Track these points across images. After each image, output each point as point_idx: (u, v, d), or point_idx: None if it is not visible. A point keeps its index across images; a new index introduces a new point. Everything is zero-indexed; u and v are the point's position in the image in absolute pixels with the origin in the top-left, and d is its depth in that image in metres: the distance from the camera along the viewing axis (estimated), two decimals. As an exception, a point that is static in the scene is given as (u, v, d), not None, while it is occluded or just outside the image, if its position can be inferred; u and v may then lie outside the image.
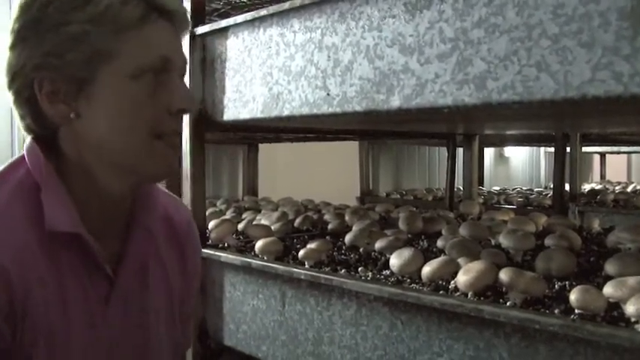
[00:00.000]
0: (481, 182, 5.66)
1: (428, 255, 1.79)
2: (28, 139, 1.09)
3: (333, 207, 3.24)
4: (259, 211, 3.22)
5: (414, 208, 3.09)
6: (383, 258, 1.84)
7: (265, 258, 1.86)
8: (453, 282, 1.45)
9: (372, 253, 1.94)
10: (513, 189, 5.48)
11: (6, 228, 0.98)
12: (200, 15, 2.00)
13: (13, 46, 1.02)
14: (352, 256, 1.94)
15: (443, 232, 2.19)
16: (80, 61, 0.99)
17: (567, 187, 4.18)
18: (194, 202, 2.04)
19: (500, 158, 7.75)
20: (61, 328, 1.02)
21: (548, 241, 1.87)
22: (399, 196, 5.02)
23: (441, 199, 4.49)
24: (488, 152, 6.97)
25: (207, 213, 2.69)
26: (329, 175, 4.73)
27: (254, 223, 2.58)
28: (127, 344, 1.12)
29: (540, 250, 1.80)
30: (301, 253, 1.80)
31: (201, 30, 1.96)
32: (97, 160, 1.05)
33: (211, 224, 2.30)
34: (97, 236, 1.05)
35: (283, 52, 1.70)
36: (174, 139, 1.08)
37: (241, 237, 2.35)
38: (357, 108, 1.51)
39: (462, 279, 1.38)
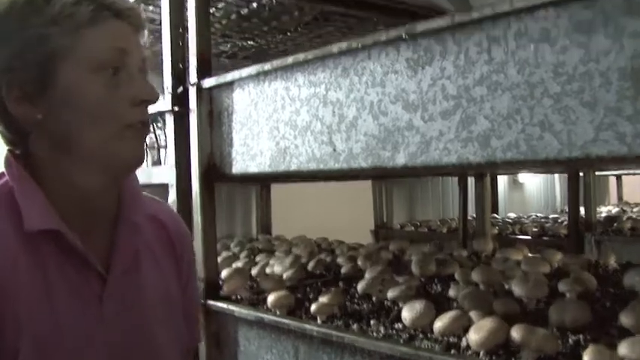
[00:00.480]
0: (495, 209, 5.63)
1: (440, 304, 1.78)
2: (5, 151, 1.11)
3: (346, 246, 3.24)
4: (273, 253, 3.23)
5: (428, 245, 3.07)
6: (395, 308, 1.83)
7: (278, 312, 1.85)
8: (464, 338, 1.44)
9: (385, 302, 1.93)
10: (528, 216, 5.44)
11: None
12: (206, 68, 2.01)
13: None
14: (365, 305, 1.93)
15: (456, 276, 2.17)
16: (41, 61, 1.02)
17: (583, 211, 4.14)
18: (205, 254, 2.04)
19: (515, 184, 7.71)
20: (51, 329, 1.01)
21: (562, 287, 1.85)
22: (413, 228, 5.00)
23: (455, 231, 4.47)
24: (502, 179, 6.94)
25: (221, 259, 2.71)
26: (343, 208, 4.72)
27: (267, 269, 2.59)
28: (128, 345, 1.12)
29: (554, 296, 1.79)
30: (313, 307, 1.79)
31: (207, 83, 1.97)
32: (69, 157, 1.06)
33: (224, 273, 2.30)
34: (84, 235, 1.07)
35: (289, 107, 1.71)
36: (140, 129, 1.10)
37: (255, 284, 2.35)
38: (363, 164, 1.51)
39: (473, 337, 1.36)
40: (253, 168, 1.84)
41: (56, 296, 1.03)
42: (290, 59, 1.67)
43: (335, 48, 1.54)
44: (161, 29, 2.18)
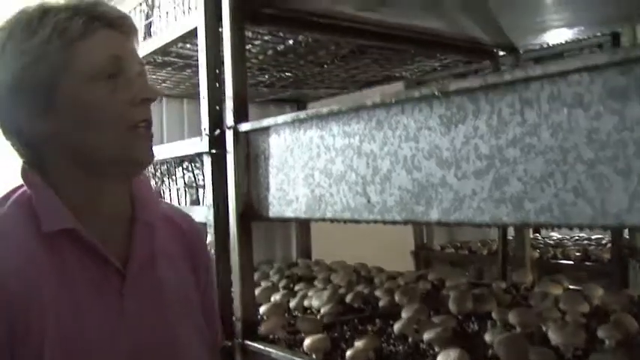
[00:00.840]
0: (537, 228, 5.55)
1: (475, 348, 1.78)
2: (21, 163, 1.19)
3: (385, 275, 3.24)
4: (312, 280, 3.25)
5: (467, 272, 3.05)
6: (431, 351, 1.83)
7: (314, 356, 1.86)
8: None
9: (421, 345, 1.93)
10: (571, 237, 5.36)
11: (6, 243, 1.07)
12: (243, 112, 2.03)
13: None
14: (400, 347, 1.94)
15: (493, 315, 2.16)
16: (43, 79, 1.10)
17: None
18: (243, 295, 2.06)
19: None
20: (75, 325, 1.07)
21: (601, 333, 1.82)
22: (453, 250, 4.97)
23: (495, 253, 4.42)
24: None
25: (259, 290, 2.74)
26: (383, 229, 4.68)
27: (305, 302, 2.61)
28: (151, 340, 1.17)
29: (594, 342, 1.77)
30: (349, 353, 1.80)
31: (244, 127, 2.00)
32: (81, 163, 1.14)
33: (262, 309, 2.33)
34: (101, 235, 1.14)
35: (324, 155, 1.72)
36: (146, 127, 1.17)
37: (293, 319, 2.36)
38: (397, 218, 1.52)
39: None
40: (289, 213, 1.86)
41: (78, 292, 1.10)
42: (325, 110, 1.69)
43: (369, 101, 1.55)
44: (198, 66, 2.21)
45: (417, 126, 1.46)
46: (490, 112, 1.31)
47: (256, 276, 3.22)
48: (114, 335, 1.12)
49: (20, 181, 1.18)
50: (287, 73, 3.05)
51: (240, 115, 2.04)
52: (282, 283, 3.18)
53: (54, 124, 1.11)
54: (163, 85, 3.29)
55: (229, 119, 2.05)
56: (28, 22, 1.11)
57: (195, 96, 3.65)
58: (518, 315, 2.02)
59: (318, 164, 1.75)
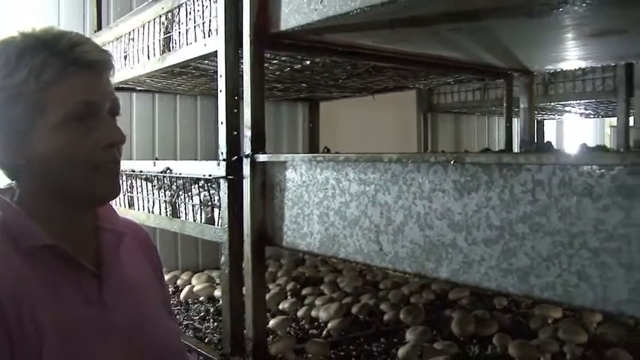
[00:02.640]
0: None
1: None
2: None
3: (390, 282, 3.32)
4: (320, 283, 3.34)
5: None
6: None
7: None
8: None
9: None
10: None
11: None
12: (260, 142, 2.09)
13: None
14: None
15: (494, 341, 2.25)
16: (19, 116, 1.18)
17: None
18: (255, 318, 2.13)
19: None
20: (67, 323, 1.16)
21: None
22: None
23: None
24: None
25: (268, 296, 2.82)
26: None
27: (312, 312, 2.69)
28: (136, 332, 1.28)
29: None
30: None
31: (261, 158, 2.06)
32: (51, 190, 1.24)
33: (272, 323, 2.42)
34: (73, 247, 1.23)
35: (339, 197, 1.78)
36: (111, 167, 1.26)
37: (299, 330, 2.45)
38: (408, 269, 1.58)
39: None
40: (303, 247, 1.93)
41: (63, 295, 1.19)
42: (342, 156, 1.75)
43: (385, 157, 1.61)
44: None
45: (431, 187, 1.52)
46: (503, 187, 1.36)
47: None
48: (99, 326, 1.22)
49: None
50: (302, 84, 3.09)
51: (258, 145, 2.09)
52: (289, 286, 3.27)
53: (28, 156, 1.20)
54: (178, 87, 3.33)
55: (247, 146, 2.11)
56: (7, 60, 1.17)
57: (206, 93, 3.72)
58: (519, 346, 2.10)
59: (332, 205, 1.81)
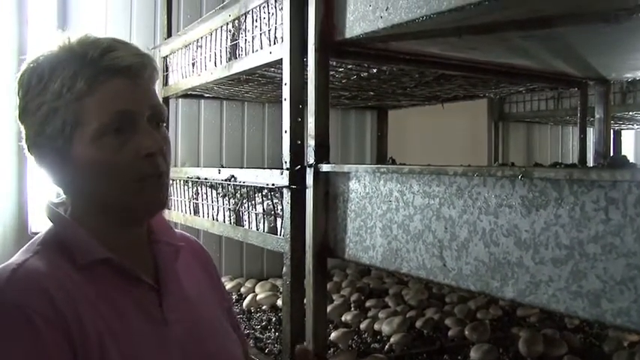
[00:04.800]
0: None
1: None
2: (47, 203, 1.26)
3: (457, 296, 3.25)
4: (384, 295, 3.29)
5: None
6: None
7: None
8: None
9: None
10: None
11: (46, 266, 1.12)
12: (324, 153, 2.06)
13: (21, 123, 1.20)
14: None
15: (565, 361, 2.16)
16: (57, 132, 1.14)
17: None
18: (315, 330, 2.10)
19: None
20: (128, 339, 1.13)
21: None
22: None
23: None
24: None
25: (331, 307, 2.79)
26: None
27: (375, 325, 2.64)
28: (196, 348, 1.24)
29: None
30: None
31: (325, 168, 2.03)
32: (98, 205, 1.20)
33: (333, 335, 2.38)
34: (130, 260, 1.20)
35: (402, 210, 1.73)
36: (155, 179, 1.19)
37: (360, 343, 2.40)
38: (472, 287, 1.52)
39: None
40: (365, 260, 1.89)
41: (122, 311, 1.16)
42: (406, 168, 1.70)
43: (450, 170, 1.55)
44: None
45: (497, 202, 1.46)
46: (573, 204, 1.29)
47: (328, 286, 3.28)
48: (162, 342, 1.19)
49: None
50: (370, 92, 3.05)
51: (322, 155, 2.06)
52: (353, 297, 3.23)
53: (71, 173, 1.18)
54: (245, 94, 3.34)
55: (310, 156, 2.08)
56: (41, 75, 1.15)
57: (273, 100, 3.73)
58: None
59: (396, 217, 1.76)
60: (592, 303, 1.25)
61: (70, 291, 1.09)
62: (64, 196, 1.27)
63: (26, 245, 1.20)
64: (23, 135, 1.21)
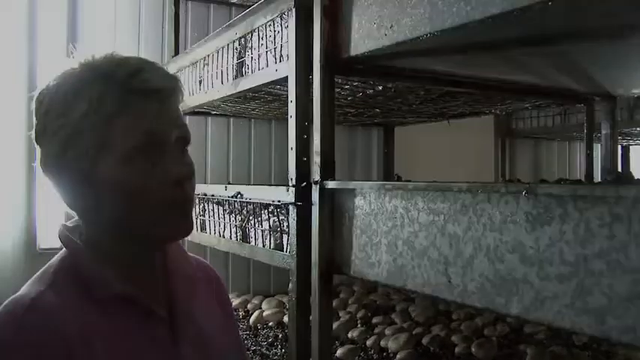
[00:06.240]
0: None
1: None
2: (60, 228, 1.22)
3: (463, 312, 3.24)
4: (391, 311, 3.28)
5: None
6: None
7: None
8: None
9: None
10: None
11: (61, 301, 1.08)
12: (329, 170, 2.06)
13: (38, 144, 1.16)
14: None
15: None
16: (81, 154, 1.10)
17: None
18: (321, 347, 2.10)
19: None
20: None
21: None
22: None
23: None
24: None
25: (337, 323, 2.78)
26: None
27: (381, 342, 2.63)
28: None
29: None
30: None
31: (330, 185, 2.03)
32: (119, 231, 1.16)
33: (339, 352, 2.37)
34: (142, 290, 1.17)
35: (408, 227, 1.74)
36: (181, 205, 1.16)
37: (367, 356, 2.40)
38: (477, 304, 1.52)
39: None
40: (371, 276, 1.89)
41: (135, 346, 1.13)
42: (411, 185, 1.71)
43: (455, 187, 1.56)
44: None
45: (502, 218, 1.46)
46: (578, 220, 1.29)
47: (335, 303, 3.28)
48: None
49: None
50: (376, 109, 3.06)
51: (327, 172, 2.07)
52: (360, 314, 3.22)
53: (92, 197, 1.13)
54: (252, 112, 3.35)
55: (316, 173, 2.09)
56: (65, 95, 1.10)
57: (280, 117, 3.74)
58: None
59: (401, 234, 1.76)
60: (597, 319, 1.25)
61: (85, 329, 1.06)
62: (76, 218, 1.24)
63: (40, 272, 1.16)
64: (39, 155, 1.16)
